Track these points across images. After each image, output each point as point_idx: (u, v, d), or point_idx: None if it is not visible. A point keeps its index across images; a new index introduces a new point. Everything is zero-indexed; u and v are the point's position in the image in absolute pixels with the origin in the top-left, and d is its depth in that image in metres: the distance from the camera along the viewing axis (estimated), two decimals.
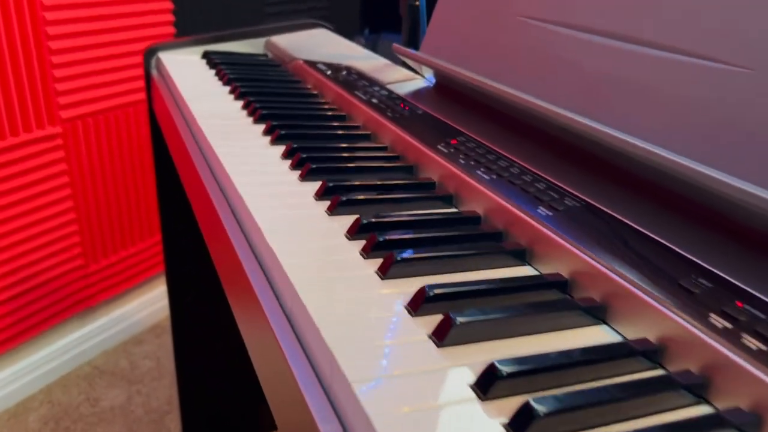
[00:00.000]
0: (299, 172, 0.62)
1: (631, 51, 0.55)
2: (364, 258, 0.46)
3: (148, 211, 1.78)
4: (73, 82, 1.48)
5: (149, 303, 1.88)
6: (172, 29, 1.68)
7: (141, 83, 1.64)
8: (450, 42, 0.76)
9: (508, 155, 0.59)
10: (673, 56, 0.51)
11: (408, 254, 0.44)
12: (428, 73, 0.84)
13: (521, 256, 0.47)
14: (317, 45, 1.09)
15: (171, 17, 1.67)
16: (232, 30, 1.15)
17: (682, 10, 0.52)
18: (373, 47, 2.06)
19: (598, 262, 0.42)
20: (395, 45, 0.78)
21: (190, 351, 1.44)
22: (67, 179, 1.53)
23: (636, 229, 0.44)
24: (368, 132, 0.73)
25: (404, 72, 0.88)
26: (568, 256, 0.44)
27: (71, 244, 1.58)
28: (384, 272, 0.43)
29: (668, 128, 0.49)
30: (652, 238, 0.43)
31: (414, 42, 0.92)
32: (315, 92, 0.89)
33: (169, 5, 1.65)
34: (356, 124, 0.77)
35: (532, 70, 0.64)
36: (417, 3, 0.89)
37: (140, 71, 1.64)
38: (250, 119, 0.78)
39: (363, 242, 0.48)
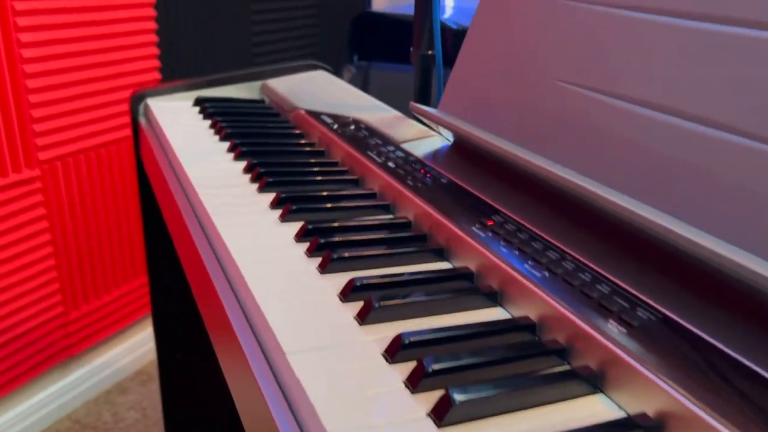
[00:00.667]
0: (318, 260, 0.55)
1: (695, 131, 0.48)
2: (412, 392, 0.39)
3: (132, 252, 1.69)
4: (51, 122, 1.40)
5: (133, 348, 1.78)
6: (156, 63, 1.60)
7: (123, 120, 1.56)
8: (473, 102, 0.69)
9: (556, 243, 0.52)
10: (746, 141, 0.45)
11: (465, 395, 0.37)
12: (446, 131, 0.77)
13: (593, 382, 0.41)
14: (318, 90, 1.02)
15: (155, 50, 1.59)
16: (224, 73, 1.08)
17: (742, 86, 0.46)
18: (364, 77, 2.00)
19: (696, 405, 0.35)
20: (412, 104, 0.72)
21: (178, 398, 1.35)
22: (46, 224, 1.44)
23: (736, 359, 0.38)
24: (387, 202, 0.67)
25: (418, 127, 0.82)
26: (655, 391, 0.37)
27: (50, 291, 1.49)
28: (440, 418, 0.36)
29: (747, 226, 0.43)
30: (758, 372, 0.37)
31: (425, 95, 0.86)
32: (322, 149, 0.82)
33: (154, 38, 1.57)
34: (372, 191, 0.70)
35: (571, 142, 0.57)
36: (431, 53, 0.82)
37: (123, 107, 1.55)
38: (255, 186, 0.70)
39: (407, 366, 0.41)
